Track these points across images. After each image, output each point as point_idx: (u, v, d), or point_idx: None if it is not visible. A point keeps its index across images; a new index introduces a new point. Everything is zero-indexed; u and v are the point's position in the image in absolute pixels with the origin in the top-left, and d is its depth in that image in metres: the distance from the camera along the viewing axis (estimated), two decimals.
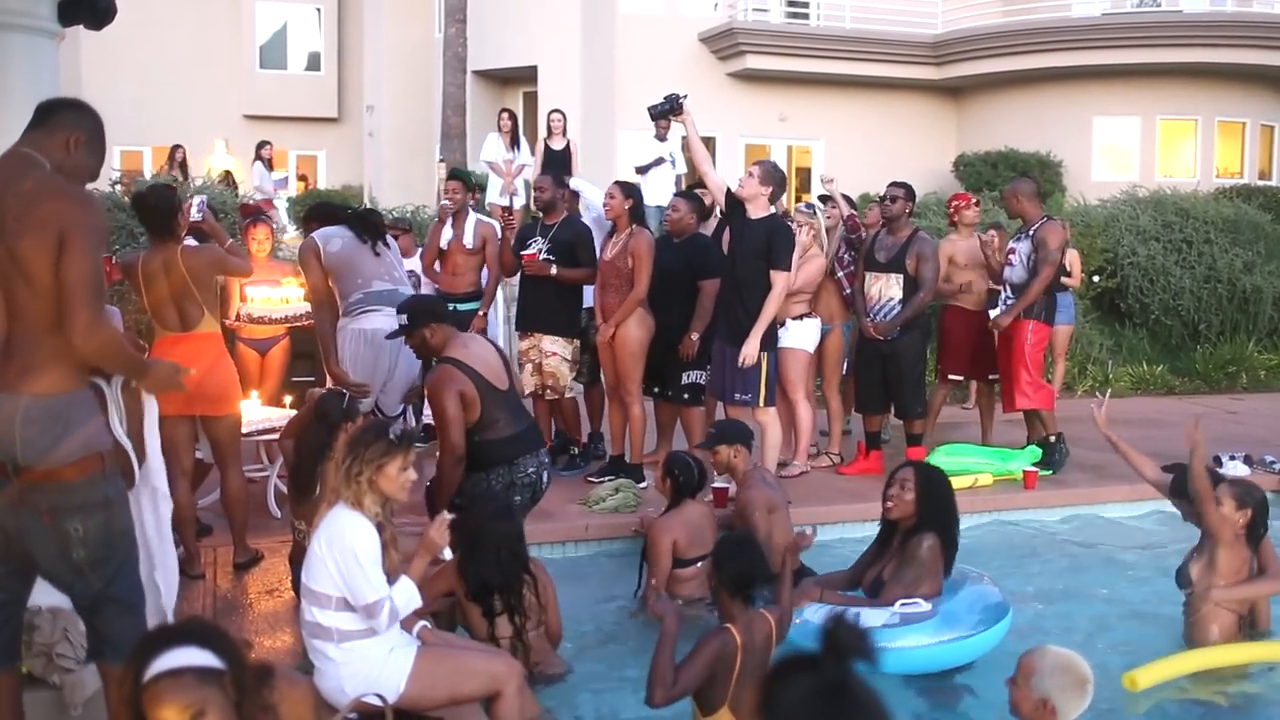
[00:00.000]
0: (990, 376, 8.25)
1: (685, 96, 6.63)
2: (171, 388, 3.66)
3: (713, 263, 7.13)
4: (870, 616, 4.75)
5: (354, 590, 3.59)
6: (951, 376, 8.42)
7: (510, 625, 4.52)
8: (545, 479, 5.46)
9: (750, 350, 6.42)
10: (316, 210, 6.83)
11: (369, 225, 6.33)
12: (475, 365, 5.22)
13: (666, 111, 6.71)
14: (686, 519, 5.53)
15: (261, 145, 17.02)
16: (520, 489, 5.27)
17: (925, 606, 4.85)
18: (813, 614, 4.86)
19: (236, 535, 5.62)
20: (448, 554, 3.93)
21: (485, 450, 5.22)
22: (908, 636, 4.73)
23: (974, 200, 8.52)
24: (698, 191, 7.70)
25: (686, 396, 7.23)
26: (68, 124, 3.27)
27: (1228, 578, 4.95)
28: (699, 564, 5.46)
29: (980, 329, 8.11)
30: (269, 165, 16.78)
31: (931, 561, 4.94)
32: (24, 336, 3.07)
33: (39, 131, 3.26)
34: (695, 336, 7.03)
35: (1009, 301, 7.73)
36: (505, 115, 13.39)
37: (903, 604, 4.83)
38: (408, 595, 3.72)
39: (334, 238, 6.21)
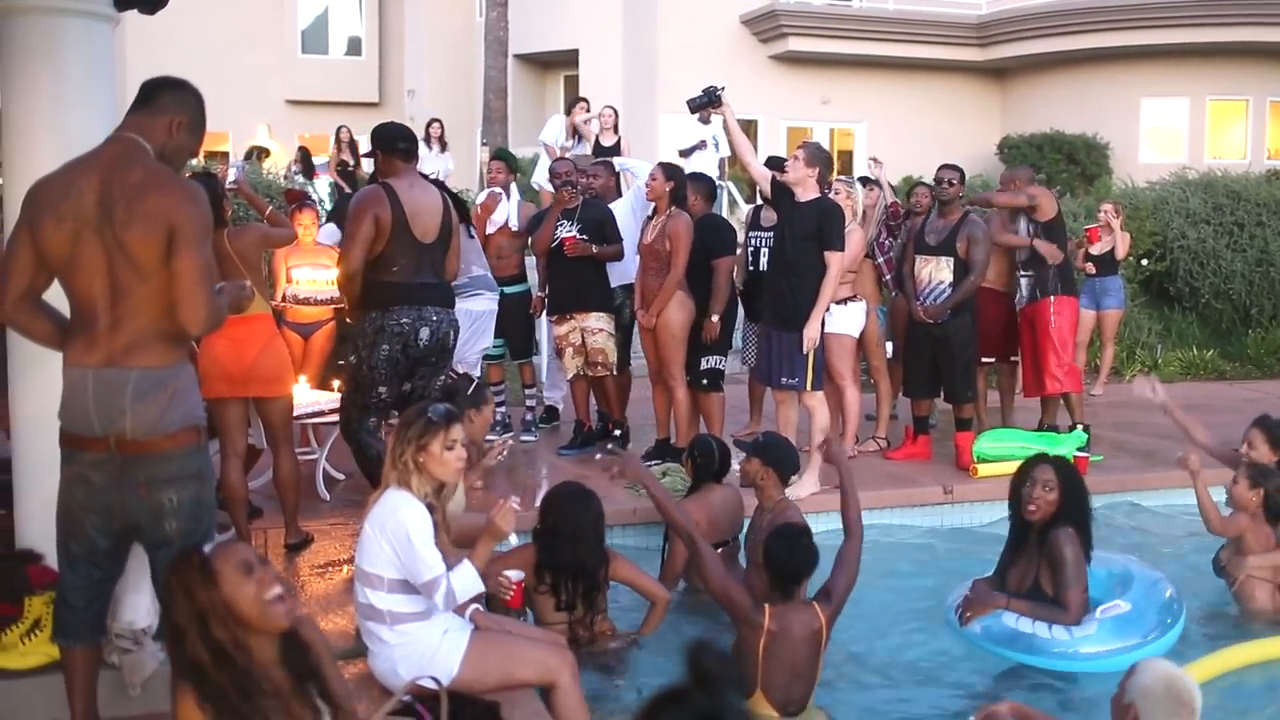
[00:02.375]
0: (1012, 358, 8.26)
1: (723, 89, 6.60)
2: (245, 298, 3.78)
3: (724, 240, 7.17)
4: (1075, 630, 4.79)
5: (411, 569, 3.60)
6: (984, 360, 8.32)
7: (585, 610, 4.55)
8: (423, 334, 5.27)
9: (812, 333, 6.37)
10: None
11: (460, 204, 6.04)
12: (405, 202, 5.17)
13: (705, 104, 6.69)
14: (710, 503, 5.49)
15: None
16: (389, 337, 5.23)
17: (1125, 607, 4.88)
18: (1010, 620, 4.89)
19: (288, 517, 5.63)
20: (514, 540, 3.89)
21: (369, 289, 5.22)
22: (1118, 639, 4.79)
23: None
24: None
25: (705, 382, 7.10)
26: (171, 107, 3.35)
27: (1254, 551, 5.37)
28: (719, 550, 5.41)
29: (1006, 309, 8.14)
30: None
31: (1079, 553, 4.88)
32: (128, 315, 3.15)
33: (142, 114, 3.33)
34: (716, 319, 6.98)
35: (1025, 277, 7.87)
36: (581, 105, 12.89)
37: (1103, 610, 4.85)
38: (469, 580, 3.69)
39: None
